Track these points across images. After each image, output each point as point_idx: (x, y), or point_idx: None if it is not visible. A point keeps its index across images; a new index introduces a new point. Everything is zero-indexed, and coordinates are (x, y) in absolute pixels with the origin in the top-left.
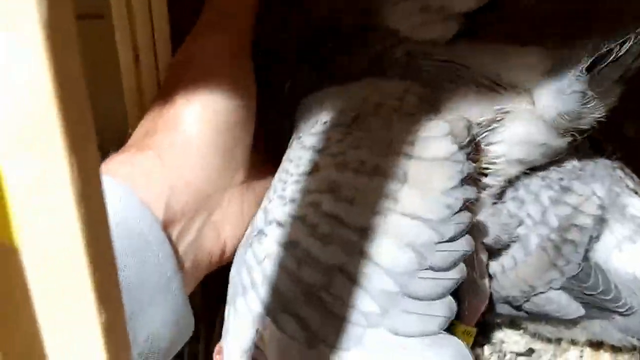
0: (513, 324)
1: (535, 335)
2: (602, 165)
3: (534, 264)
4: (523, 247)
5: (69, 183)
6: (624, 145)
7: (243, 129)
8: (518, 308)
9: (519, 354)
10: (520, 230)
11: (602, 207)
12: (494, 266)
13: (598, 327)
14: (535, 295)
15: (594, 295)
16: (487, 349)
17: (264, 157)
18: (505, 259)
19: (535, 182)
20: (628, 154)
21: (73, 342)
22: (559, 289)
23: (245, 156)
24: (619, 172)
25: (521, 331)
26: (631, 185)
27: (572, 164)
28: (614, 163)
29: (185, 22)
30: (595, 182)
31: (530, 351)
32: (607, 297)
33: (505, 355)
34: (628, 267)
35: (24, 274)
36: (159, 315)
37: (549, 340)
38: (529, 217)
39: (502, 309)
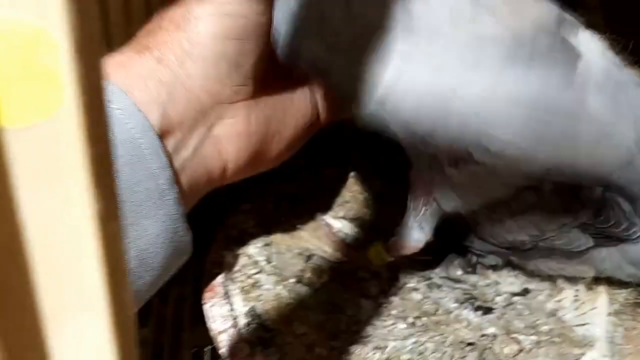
0: (509, 265)
1: (532, 274)
2: None
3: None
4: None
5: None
6: None
7: (255, 39)
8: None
9: (514, 294)
10: None
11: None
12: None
13: (608, 263)
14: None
15: (605, 227)
16: (483, 288)
17: (276, 72)
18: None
19: None
20: None
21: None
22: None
23: (255, 69)
24: None
25: (517, 272)
26: None
27: None
28: None
29: None
30: None
31: (526, 291)
32: (619, 229)
33: (500, 294)
34: None
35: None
36: (152, 229)
37: (544, 279)
38: None
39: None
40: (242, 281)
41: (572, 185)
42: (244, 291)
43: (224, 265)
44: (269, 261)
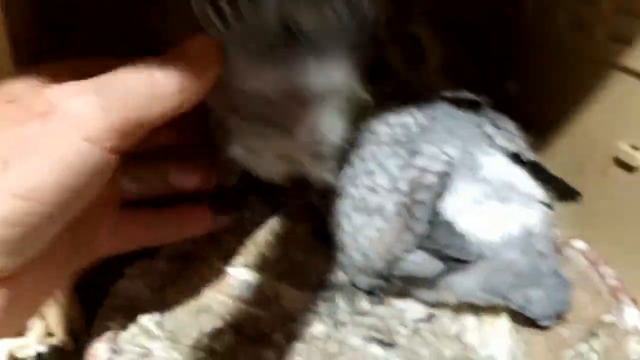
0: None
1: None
2: (464, 123)
3: (394, 230)
4: (382, 216)
5: None
6: (506, 103)
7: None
8: (389, 278)
9: (419, 321)
10: (378, 201)
11: (450, 164)
12: (362, 241)
13: (462, 289)
14: (396, 261)
15: (447, 250)
16: (389, 319)
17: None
18: (371, 231)
19: (383, 151)
20: (510, 112)
21: None
22: (417, 249)
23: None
24: (489, 129)
25: None
26: (502, 142)
27: (428, 125)
28: (483, 118)
29: None
30: (449, 141)
31: (431, 316)
32: (455, 249)
33: (406, 324)
34: (471, 228)
35: None
36: None
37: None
38: (381, 187)
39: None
40: (131, 352)
41: None
42: None
43: (110, 337)
44: (161, 327)
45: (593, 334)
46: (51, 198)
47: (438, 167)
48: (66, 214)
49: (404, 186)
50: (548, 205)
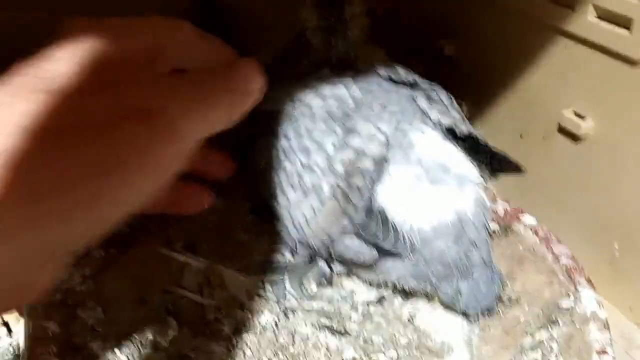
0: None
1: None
2: (398, 97)
3: (329, 213)
4: (318, 196)
5: None
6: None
7: None
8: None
9: (369, 303)
10: (314, 180)
11: (385, 144)
12: (297, 217)
13: (395, 274)
14: (332, 243)
15: (378, 240)
16: (339, 302)
17: None
18: (306, 210)
19: (318, 127)
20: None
21: None
22: (353, 235)
23: None
24: (423, 103)
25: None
26: (436, 117)
27: (363, 98)
28: (416, 91)
29: None
30: (383, 118)
31: (382, 299)
32: (387, 242)
33: (357, 308)
34: (403, 216)
35: None
36: None
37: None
38: (317, 166)
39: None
40: (70, 355)
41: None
42: None
43: (49, 338)
44: (102, 323)
45: (552, 321)
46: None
47: (374, 149)
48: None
49: (339, 168)
50: (483, 186)
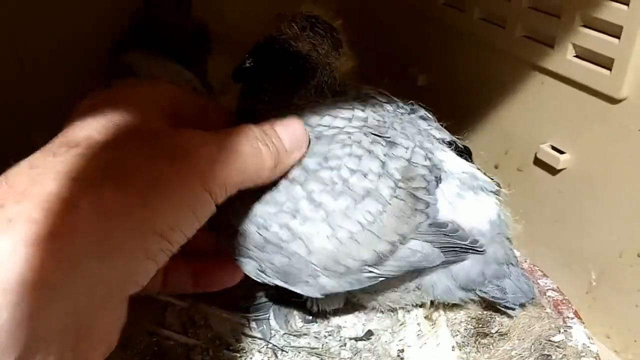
0: (349, 304)
1: (370, 316)
2: (408, 122)
3: (395, 213)
4: (376, 199)
5: None
6: (417, 94)
7: None
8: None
9: (357, 339)
10: (367, 184)
11: (428, 158)
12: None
13: (439, 289)
14: (402, 244)
15: (453, 237)
16: (327, 338)
17: None
18: (360, 216)
19: (364, 138)
20: (422, 102)
21: None
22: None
23: None
24: (423, 124)
25: (356, 312)
26: (437, 135)
27: (381, 121)
28: (413, 115)
29: None
30: (409, 138)
31: (369, 334)
32: (464, 240)
33: (345, 344)
34: (463, 222)
35: None
36: None
37: (385, 316)
38: (371, 172)
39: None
40: None
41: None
42: None
43: None
44: None
45: (545, 356)
46: (177, 237)
47: (421, 160)
48: (176, 250)
49: (395, 172)
50: (499, 193)
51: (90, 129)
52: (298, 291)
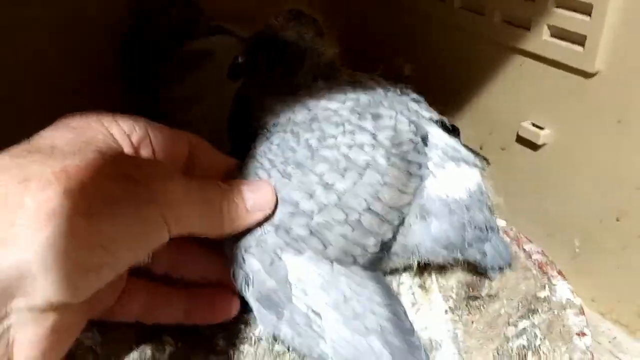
0: None
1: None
2: (396, 99)
3: (393, 180)
4: (377, 170)
5: None
6: (405, 85)
7: None
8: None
9: None
10: (362, 157)
11: (411, 122)
12: (359, 201)
13: (423, 248)
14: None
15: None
16: None
17: None
18: (367, 188)
19: (352, 116)
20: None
21: None
22: None
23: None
24: (412, 105)
25: None
26: (426, 115)
27: (372, 101)
28: (404, 97)
29: None
30: (394, 108)
31: None
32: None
33: None
34: (441, 191)
35: None
36: None
37: None
38: (365, 144)
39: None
40: None
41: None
42: None
43: None
44: (101, 344)
45: (531, 311)
46: (124, 255)
47: (406, 127)
48: (123, 269)
49: (385, 141)
50: (482, 168)
51: (56, 140)
52: None
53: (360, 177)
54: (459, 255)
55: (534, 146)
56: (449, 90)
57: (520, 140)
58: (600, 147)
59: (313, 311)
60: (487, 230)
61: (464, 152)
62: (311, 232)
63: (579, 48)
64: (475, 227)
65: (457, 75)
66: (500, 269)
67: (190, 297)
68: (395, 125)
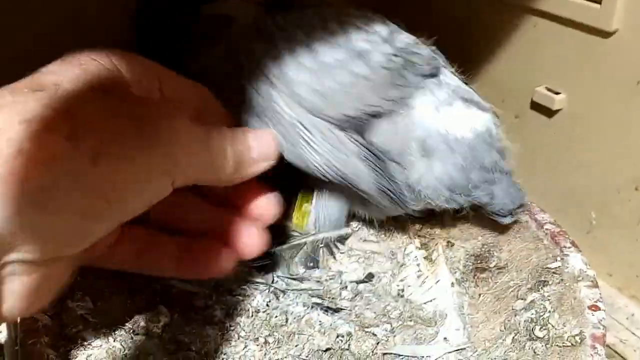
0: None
1: (371, 261)
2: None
3: (375, 80)
4: (366, 63)
5: None
6: None
7: None
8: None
9: (358, 282)
10: (363, 45)
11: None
12: (329, 83)
13: (424, 186)
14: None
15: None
16: (328, 282)
17: None
18: (343, 76)
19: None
20: None
21: None
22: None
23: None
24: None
25: (358, 256)
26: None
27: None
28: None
29: None
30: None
31: (370, 276)
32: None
33: (346, 286)
34: (441, 127)
35: None
36: None
37: (385, 260)
38: (377, 34)
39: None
40: (63, 345)
41: None
42: (72, 355)
43: (40, 330)
44: (94, 313)
45: (542, 282)
46: (131, 202)
47: (425, 49)
48: (127, 218)
49: (399, 43)
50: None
51: (61, 76)
52: None
53: (345, 61)
54: (463, 199)
55: (549, 112)
56: (458, 55)
57: (535, 106)
58: (618, 112)
59: None
60: (495, 171)
61: (478, 97)
62: None
63: (595, 5)
64: (480, 167)
65: (467, 40)
66: (511, 214)
67: (183, 247)
68: (412, 44)
